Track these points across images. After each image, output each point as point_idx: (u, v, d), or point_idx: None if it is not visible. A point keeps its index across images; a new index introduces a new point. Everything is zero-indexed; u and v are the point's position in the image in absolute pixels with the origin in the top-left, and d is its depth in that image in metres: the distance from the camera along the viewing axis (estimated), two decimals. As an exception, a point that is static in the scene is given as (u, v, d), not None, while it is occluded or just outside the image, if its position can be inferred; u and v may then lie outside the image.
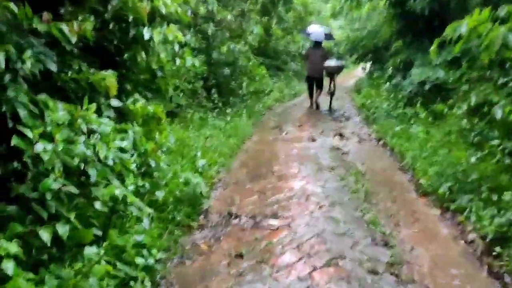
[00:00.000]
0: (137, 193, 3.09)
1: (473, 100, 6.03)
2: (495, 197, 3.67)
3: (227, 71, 8.43)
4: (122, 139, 3.07)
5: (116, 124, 3.46)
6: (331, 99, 10.39)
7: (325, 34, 10.65)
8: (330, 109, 10.09)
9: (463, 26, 4.28)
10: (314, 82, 10.04)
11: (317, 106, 10.05)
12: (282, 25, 15.21)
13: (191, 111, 6.82)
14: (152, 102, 4.80)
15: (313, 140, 6.62)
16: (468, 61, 6.80)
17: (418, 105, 6.97)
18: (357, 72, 29.69)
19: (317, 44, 10.32)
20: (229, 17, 6.98)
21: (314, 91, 10.12)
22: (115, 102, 3.54)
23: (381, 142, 6.54)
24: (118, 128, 3.42)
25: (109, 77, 3.36)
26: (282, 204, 3.92)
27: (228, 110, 7.82)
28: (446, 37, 4.45)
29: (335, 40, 15.60)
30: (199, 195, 3.65)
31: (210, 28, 6.64)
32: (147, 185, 3.21)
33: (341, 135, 6.96)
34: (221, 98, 8.19)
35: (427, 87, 7.09)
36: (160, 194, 3.13)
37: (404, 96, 7.78)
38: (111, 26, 3.68)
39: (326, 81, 10.93)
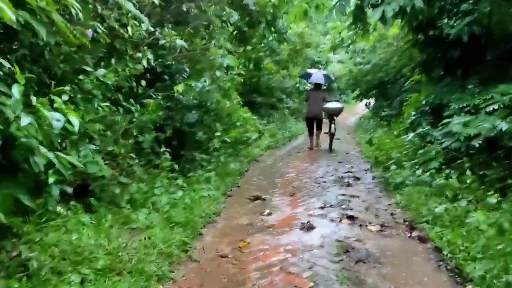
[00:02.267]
0: None
1: None
2: None
3: (193, 116, 6.19)
4: None
5: None
6: (331, 140, 10.06)
7: (324, 76, 10.83)
8: (331, 150, 9.97)
9: None
10: (314, 123, 10.21)
11: (317, 145, 10.38)
12: (275, 58, 13.21)
13: (127, 182, 4.49)
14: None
15: (310, 228, 4.24)
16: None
17: (468, 171, 4.64)
18: (358, 109, 27.62)
19: (317, 86, 10.44)
20: (178, 42, 4.78)
21: (315, 132, 10.30)
22: None
23: (415, 233, 4.15)
24: None
25: None
26: None
27: (190, 174, 5.51)
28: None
29: (333, 82, 14.53)
30: None
31: (146, 58, 4.41)
32: None
33: (351, 217, 4.59)
34: (183, 155, 5.92)
35: (476, 143, 4.79)
36: None
37: (438, 153, 5.47)
38: None
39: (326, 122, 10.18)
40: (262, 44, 12.45)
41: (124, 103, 5.19)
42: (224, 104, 6.98)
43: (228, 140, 6.79)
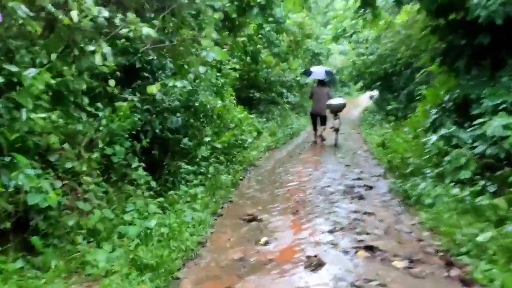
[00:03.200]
0: None
1: None
2: None
3: (177, 120, 5.23)
4: None
5: None
6: (336, 136, 9.88)
7: (326, 72, 10.76)
8: (336, 145, 9.71)
9: None
10: (318, 119, 10.14)
11: (322, 140, 10.29)
12: (274, 50, 12.20)
13: (87, 209, 3.55)
14: None
15: (318, 265, 3.30)
16: None
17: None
18: (360, 101, 26.47)
19: (320, 82, 10.40)
20: (145, 30, 3.78)
21: (319, 127, 10.24)
22: None
23: (454, 271, 3.20)
24: None
25: None
26: None
27: (171, 192, 4.56)
28: None
29: (335, 76, 14.38)
30: None
31: (100, 53, 3.42)
32: None
33: (369, 247, 3.64)
34: (164, 167, 4.98)
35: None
36: None
37: (470, 160, 4.50)
38: None
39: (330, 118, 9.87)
40: (260, 36, 11.43)
41: (90, 109, 4.26)
42: (215, 104, 6.00)
43: (219, 146, 5.82)
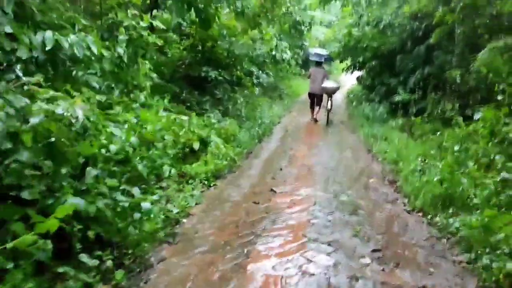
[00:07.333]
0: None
1: None
2: None
3: None
4: None
5: None
6: (328, 115, 9.90)
7: (325, 55, 12.14)
8: (328, 123, 9.81)
9: None
10: (315, 99, 10.19)
11: (315, 121, 10.19)
12: (237, 8, 7.78)
13: None
14: None
15: None
16: None
17: None
18: (342, 81, 22.28)
19: (318, 64, 10.55)
20: None
21: (315, 106, 10.25)
22: None
23: None
24: None
25: None
26: None
27: None
28: None
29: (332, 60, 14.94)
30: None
31: None
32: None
33: None
34: None
35: None
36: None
37: None
38: None
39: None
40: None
41: None
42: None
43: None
